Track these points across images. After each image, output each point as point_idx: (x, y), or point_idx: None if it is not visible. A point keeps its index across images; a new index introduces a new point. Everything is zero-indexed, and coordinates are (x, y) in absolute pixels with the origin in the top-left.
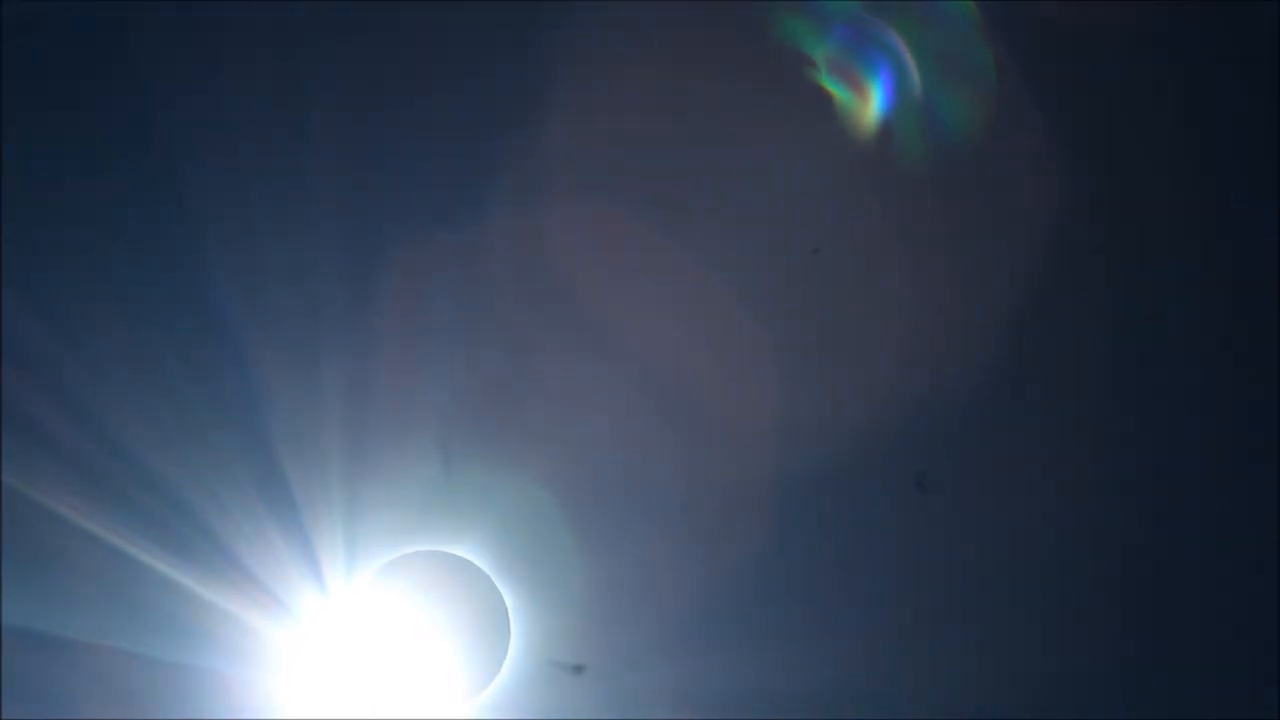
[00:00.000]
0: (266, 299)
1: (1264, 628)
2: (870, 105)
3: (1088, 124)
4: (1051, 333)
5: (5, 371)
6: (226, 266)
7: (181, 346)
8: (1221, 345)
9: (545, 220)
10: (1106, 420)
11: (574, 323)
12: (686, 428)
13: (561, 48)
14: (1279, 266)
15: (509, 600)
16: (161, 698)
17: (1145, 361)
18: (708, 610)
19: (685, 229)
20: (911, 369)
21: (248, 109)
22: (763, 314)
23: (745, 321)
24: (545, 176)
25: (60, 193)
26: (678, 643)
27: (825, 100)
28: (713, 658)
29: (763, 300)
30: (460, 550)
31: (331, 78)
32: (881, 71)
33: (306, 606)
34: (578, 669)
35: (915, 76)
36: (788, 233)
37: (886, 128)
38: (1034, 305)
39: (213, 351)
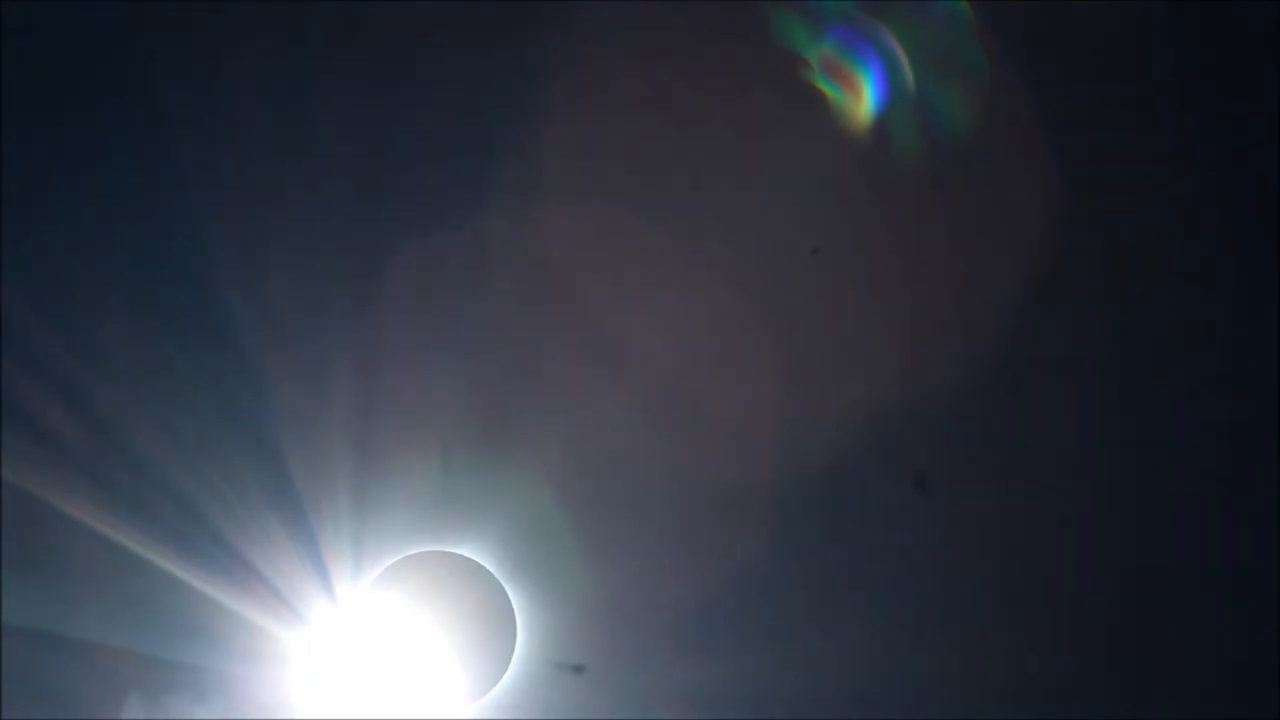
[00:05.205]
0: (272, 300)
1: (1264, 628)
2: (866, 105)
3: (1085, 123)
4: (1051, 332)
5: (8, 370)
6: (232, 268)
7: (187, 347)
8: (1222, 343)
9: (547, 221)
10: (1106, 419)
11: (577, 323)
12: (688, 427)
13: (561, 48)
14: (1279, 265)
15: (515, 601)
16: (165, 698)
17: (1145, 360)
18: (708, 610)
19: (685, 230)
20: (911, 368)
21: (250, 110)
22: (762, 314)
23: (745, 321)
24: (546, 178)
25: (63, 192)
26: (678, 643)
27: (822, 100)
28: (713, 658)
29: (762, 300)
30: (466, 551)
31: (335, 78)
32: (876, 71)
33: (312, 605)
34: (578, 669)
35: (910, 76)
36: (787, 233)
37: (883, 127)
38: (1033, 304)
39: (218, 353)
